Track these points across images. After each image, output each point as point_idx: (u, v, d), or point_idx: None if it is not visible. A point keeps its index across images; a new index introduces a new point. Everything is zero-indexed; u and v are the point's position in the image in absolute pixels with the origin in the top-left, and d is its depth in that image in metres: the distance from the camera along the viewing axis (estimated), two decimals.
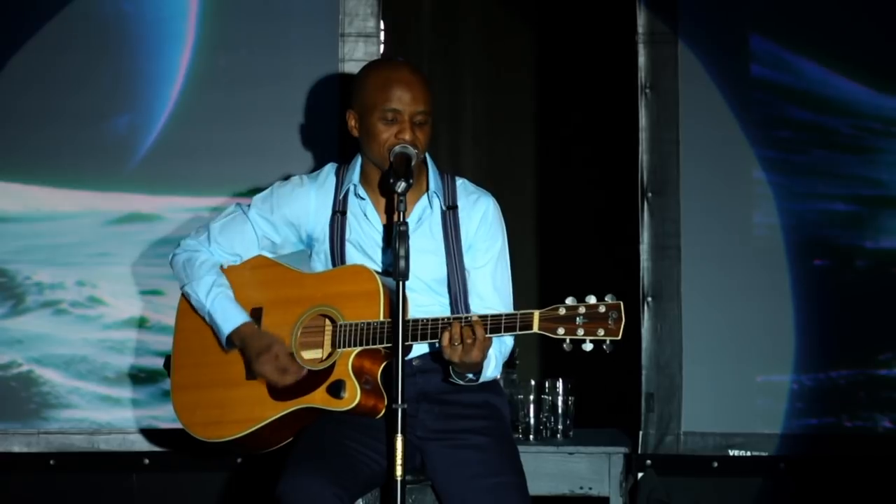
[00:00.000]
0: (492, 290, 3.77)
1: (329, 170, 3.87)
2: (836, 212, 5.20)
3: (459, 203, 3.79)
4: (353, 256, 3.76)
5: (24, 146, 5.24)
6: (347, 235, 3.77)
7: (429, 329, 3.55)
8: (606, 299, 3.39)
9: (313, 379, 3.64)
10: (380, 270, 3.72)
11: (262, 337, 3.70)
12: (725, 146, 5.19)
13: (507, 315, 3.47)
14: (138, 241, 5.24)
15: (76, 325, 5.23)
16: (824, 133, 5.20)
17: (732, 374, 5.16)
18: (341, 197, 3.80)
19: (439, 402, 3.71)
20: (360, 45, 5.22)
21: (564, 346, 3.39)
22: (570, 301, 3.41)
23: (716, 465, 5.15)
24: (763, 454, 5.14)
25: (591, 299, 3.39)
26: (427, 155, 3.81)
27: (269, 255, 3.88)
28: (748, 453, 5.15)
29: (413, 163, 3.60)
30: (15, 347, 5.23)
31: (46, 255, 5.25)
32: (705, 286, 5.18)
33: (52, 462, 5.20)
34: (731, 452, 5.15)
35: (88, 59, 5.24)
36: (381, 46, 5.26)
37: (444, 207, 3.78)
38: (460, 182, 3.85)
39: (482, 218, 3.78)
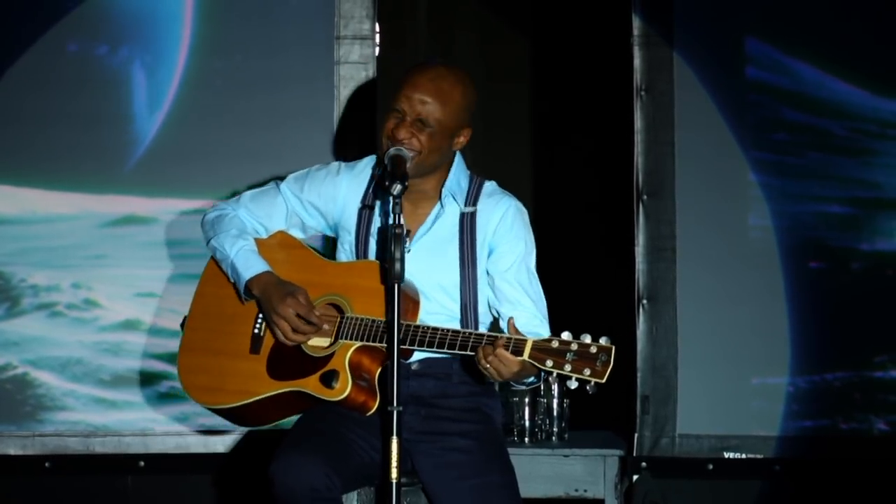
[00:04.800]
0: (523, 295, 3.73)
1: (367, 162, 3.85)
2: (831, 214, 5.20)
3: (479, 205, 3.75)
4: (375, 251, 3.75)
5: (20, 148, 5.24)
6: (372, 230, 3.76)
7: (427, 337, 3.55)
8: (601, 341, 3.37)
9: (311, 364, 3.66)
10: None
11: (287, 285, 3.69)
12: (721, 148, 5.19)
13: (504, 338, 3.46)
14: (134, 243, 5.25)
15: (72, 327, 5.23)
16: (819, 135, 5.20)
17: (728, 376, 5.16)
18: (371, 190, 3.79)
19: (428, 405, 3.71)
20: (356, 47, 5.22)
21: (550, 378, 3.41)
22: (565, 336, 3.40)
23: (711, 467, 5.15)
24: (758, 456, 5.14)
25: (586, 338, 3.38)
26: (459, 155, 3.77)
27: (299, 233, 3.88)
28: (743, 455, 5.15)
29: (408, 164, 3.60)
30: (10, 350, 5.23)
31: (42, 257, 5.25)
32: (701, 288, 5.18)
33: (47, 464, 5.20)
34: (726, 455, 5.15)
35: (85, 62, 5.25)
36: (377, 49, 5.26)
37: (462, 209, 3.76)
38: (488, 184, 3.81)
39: (501, 219, 3.73)
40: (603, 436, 5.10)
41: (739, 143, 5.20)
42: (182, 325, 3.90)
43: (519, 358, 3.43)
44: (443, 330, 3.55)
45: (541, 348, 3.42)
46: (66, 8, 5.24)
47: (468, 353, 3.52)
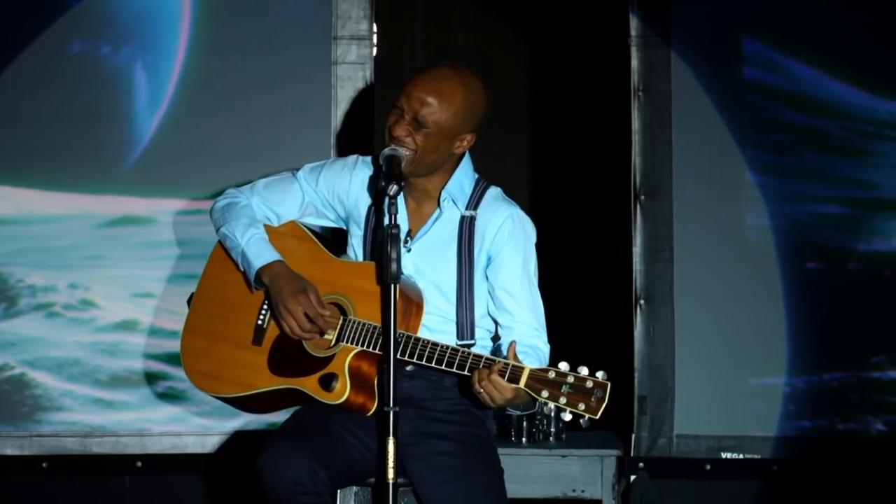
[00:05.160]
0: (521, 306, 3.71)
1: None
2: (828, 214, 5.20)
3: (480, 211, 3.72)
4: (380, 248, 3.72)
5: (18, 149, 5.24)
6: (378, 225, 3.74)
7: (426, 352, 3.54)
8: (597, 375, 3.37)
9: (311, 364, 3.66)
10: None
11: (299, 279, 3.67)
12: (718, 148, 5.19)
13: (502, 363, 3.46)
14: (131, 243, 5.25)
15: (69, 327, 5.23)
16: (817, 136, 5.20)
17: (725, 376, 5.16)
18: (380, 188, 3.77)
19: (418, 407, 3.71)
20: (353, 47, 5.22)
21: (545, 408, 3.40)
22: (563, 366, 3.40)
23: (708, 467, 5.15)
24: (756, 457, 5.14)
25: (583, 371, 3.38)
26: (468, 156, 3.75)
27: (313, 221, 3.87)
28: (741, 456, 5.15)
29: (404, 164, 3.59)
30: (8, 350, 5.23)
31: (39, 257, 5.25)
32: (698, 289, 5.18)
33: (44, 465, 5.20)
34: (723, 455, 5.15)
35: (83, 62, 5.24)
36: (374, 49, 5.26)
37: (462, 213, 3.74)
38: (492, 190, 3.77)
39: (500, 228, 3.70)
40: (600, 436, 5.08)
41: (737, 143, 5.20)
42: (189, 302, 3.90)
43: (514, 385, 3.43)
44: (442, 346, 3.54)
45: (537, 378, 3.41)
46: (63, 8, 5.23)
47: (465, 373, 3.51)
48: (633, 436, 5.14)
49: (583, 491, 4.83)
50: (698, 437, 5.16)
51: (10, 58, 5.23)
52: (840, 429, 5.17)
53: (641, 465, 5.14)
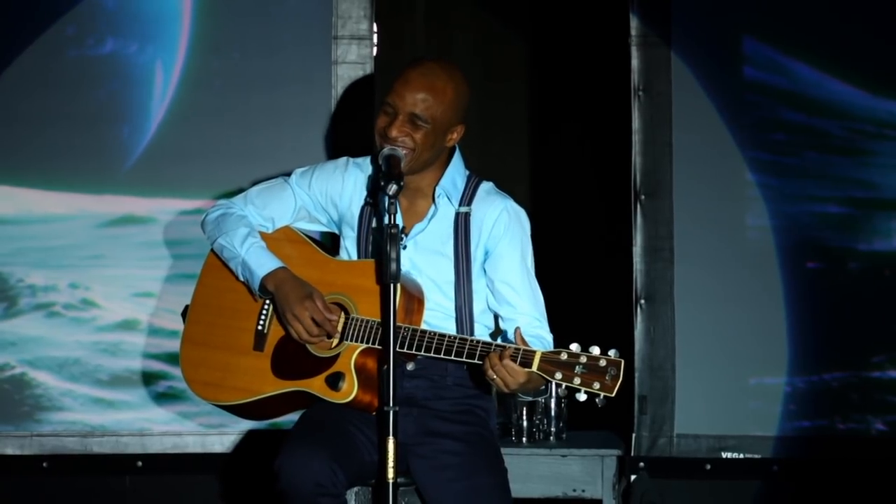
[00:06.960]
0: (522, 298, 3.72)
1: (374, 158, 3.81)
2: (828, 214, 5.20)
3: (474, 206, 3.73)
4: (377, 248, 3.73)
5: (18, 149, 5.24)
6: (374, 226, 3.76)
7: (434, 343, 3.55)
8: (610, 353, 3.38)
9: (316, 364, 3.66)
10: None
11: (304, 285, 3.67)
12: (718, 148, 5.19)
13: (512, 348, 3.46)
14: (131, 243, 5.25)
15: (69, 327, 5.23)
16: (817, 135, 5.20)
17: (725, 376, 5.16)
18: (371, 188, 3.77)
19: (420, 407, 3.71)
20: (354, 47, 5.22)
21: (559, 390, 3.39)
22: (574, 347, 3.40)
23: (709, 467, 5.15)
24: (756, 456, 5.14)
25: (595, 350, 3.38)
26: (458, 152, 3.77)
27: (305, 226, 3.87)
28: (741, 456, 5.15)
29: (403, 163, 3.60)
30: (8, 350, 5.23)
31: (39, 257, 5.25)
32: (698, 288, 5.18)
33: (45, 465, 5.20)
34: (724, 455, 5.15)
35: (82, 62, 5.24)
36: (375, 49, 5.26)
37: (456, 209, 3.75)
38: (485, 185, 3.79)
39: (496, 221, 3.72)
40: (601, 436, 5.08)
41: (737, 143, 5.20)
42: (183, 315, 3.89)
43: (526, 369, 3.43)
44: (450, 337, 3.55)
45: (550, 360, 3.41)
46: (62, 8, 5.23)
47: (475, 361, 3.52)
48: (634, 435, 5.14)
49: (583, 491, 4.83)
50: (699, 436, 5.16)
51: (9, 58, 5.23)
52: (840, 428, 5.17)
53: (642, 464, 5.14)
